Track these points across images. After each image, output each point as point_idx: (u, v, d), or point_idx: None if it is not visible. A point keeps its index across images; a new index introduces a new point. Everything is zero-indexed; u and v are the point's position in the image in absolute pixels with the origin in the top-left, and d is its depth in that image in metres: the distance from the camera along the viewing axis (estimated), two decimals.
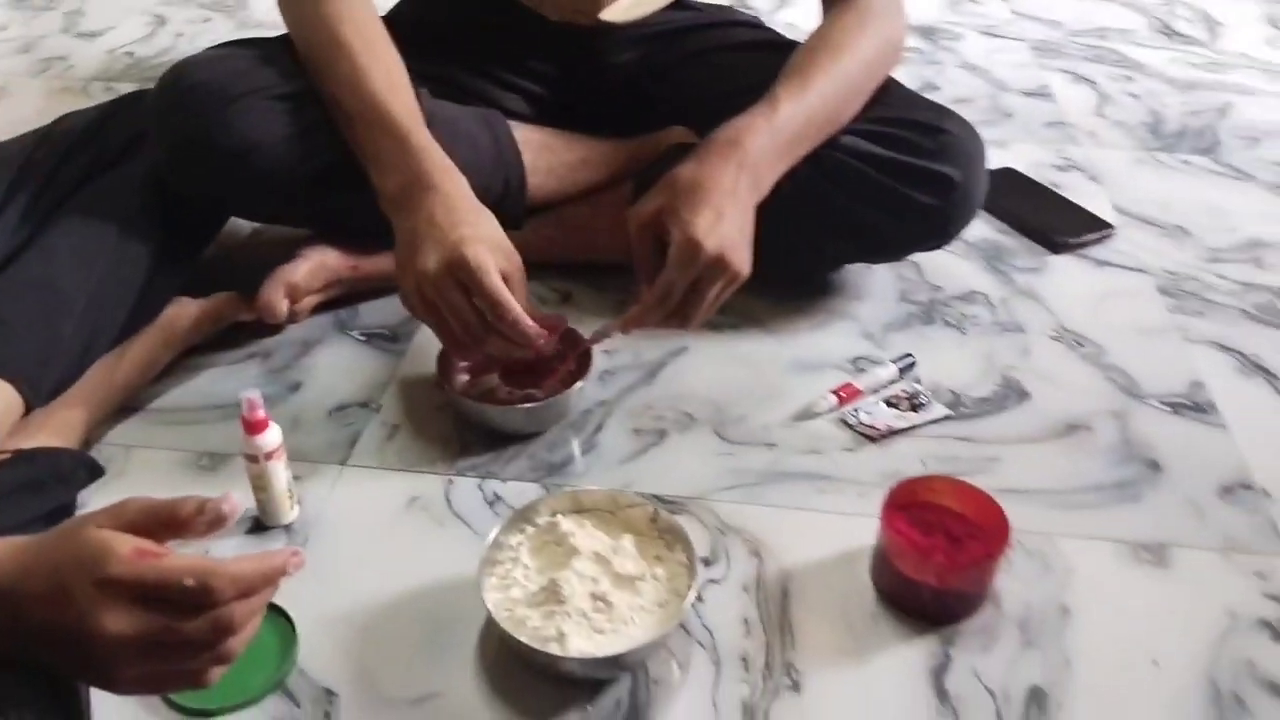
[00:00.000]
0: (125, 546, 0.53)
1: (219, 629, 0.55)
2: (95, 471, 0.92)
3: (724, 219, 0.90)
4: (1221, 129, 1.65)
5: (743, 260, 0.92)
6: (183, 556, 0.54)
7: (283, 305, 1.09)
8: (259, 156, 1.00)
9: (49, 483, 0.86)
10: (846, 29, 1.05)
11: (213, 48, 1.09)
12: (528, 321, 0.91)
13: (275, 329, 1.13)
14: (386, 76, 0.99)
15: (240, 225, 1.27)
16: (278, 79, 1.02)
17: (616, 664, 0.76)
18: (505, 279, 0.91)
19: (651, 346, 1.13)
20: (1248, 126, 1.65)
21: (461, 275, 0.89)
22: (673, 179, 0.93)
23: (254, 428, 0.85)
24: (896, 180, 1.06)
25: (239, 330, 1.13)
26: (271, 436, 0.86)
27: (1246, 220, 1.41)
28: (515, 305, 0.90)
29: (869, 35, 1.05)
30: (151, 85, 1.04)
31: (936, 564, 0.82)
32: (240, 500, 0.57)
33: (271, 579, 0.57)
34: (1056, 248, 1.31)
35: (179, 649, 0.55)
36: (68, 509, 0.87)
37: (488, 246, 0.91)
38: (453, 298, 0.90)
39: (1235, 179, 1.51)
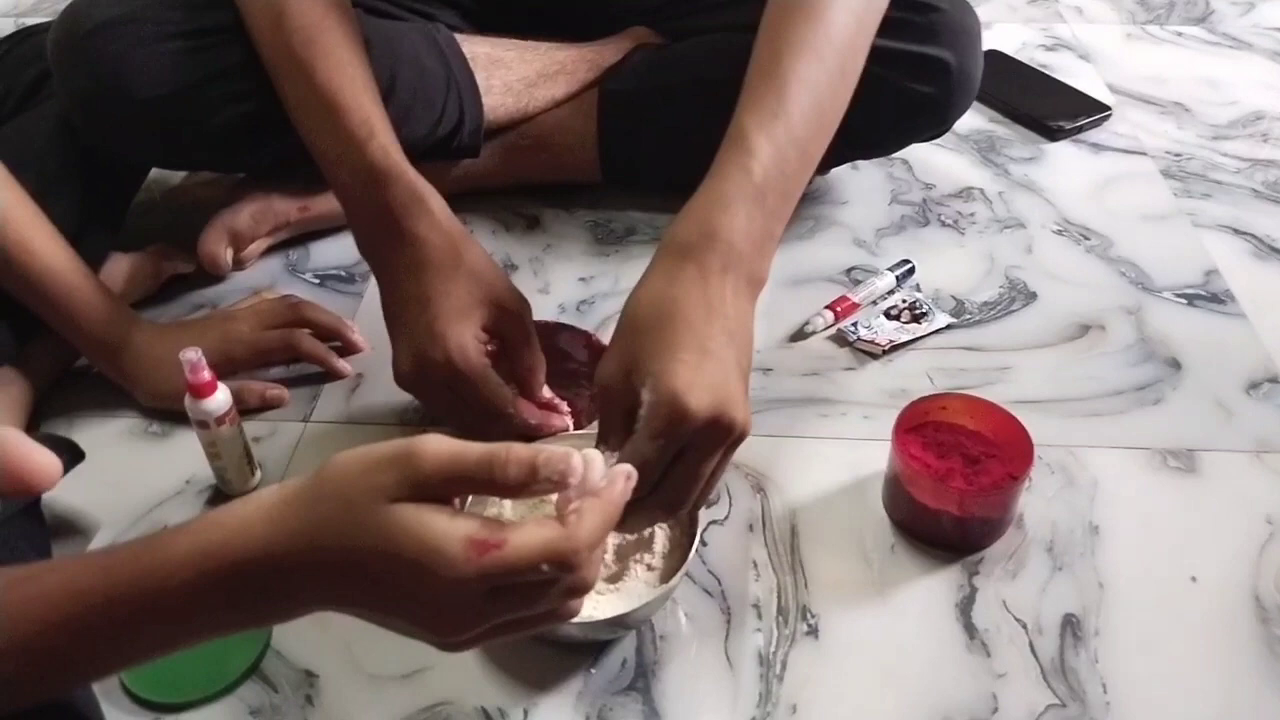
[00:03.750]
0: (456, 545, 0.44)
1: (575, 590, 0.48)
2: (77, 456, 0.83)
3: (710, 358, 0.62)
4: None
5: (741, 411, 0.62)
6: (527, 532, 0.46)
7: (225, 255, 1.00)
8: (175, 105, 0.89)
9: None
10: None
11: None
12: (545, 417, 0.80)
13: (220, 278, 1.04)
14: (342, 72, 0.81)
15: None
16: (192, 12, 0.90)
17: (619, 624, 0.70)
18: (507, 328, 0.78)
19: (631, 271, 1.04)
20: None
21: (448, 380, 0.76)
22: (631, 314, 0.66)
23: (200, 391, 0.77)
24: (885, 68, 0.96)
25: (180, 281, 1.04)
26: (221, 399, 0.78)
27: (1247, 92, 1.33)
28: (523, 409, 0.78)
29: None
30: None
31: (957, 490, 0.76)
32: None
33: (616, 518, 0.50)
34: (1052, 134, 1.23)
35: (533, 619, 0.49)
36: (37, 500, 0.79)
37: (471, 323, 0.76)
38: (442, 401, 0.79)
39: (1232, 49, 1.43)
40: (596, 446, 0.67)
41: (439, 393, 0.77)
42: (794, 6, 0.75)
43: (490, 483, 0.46)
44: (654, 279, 0.67)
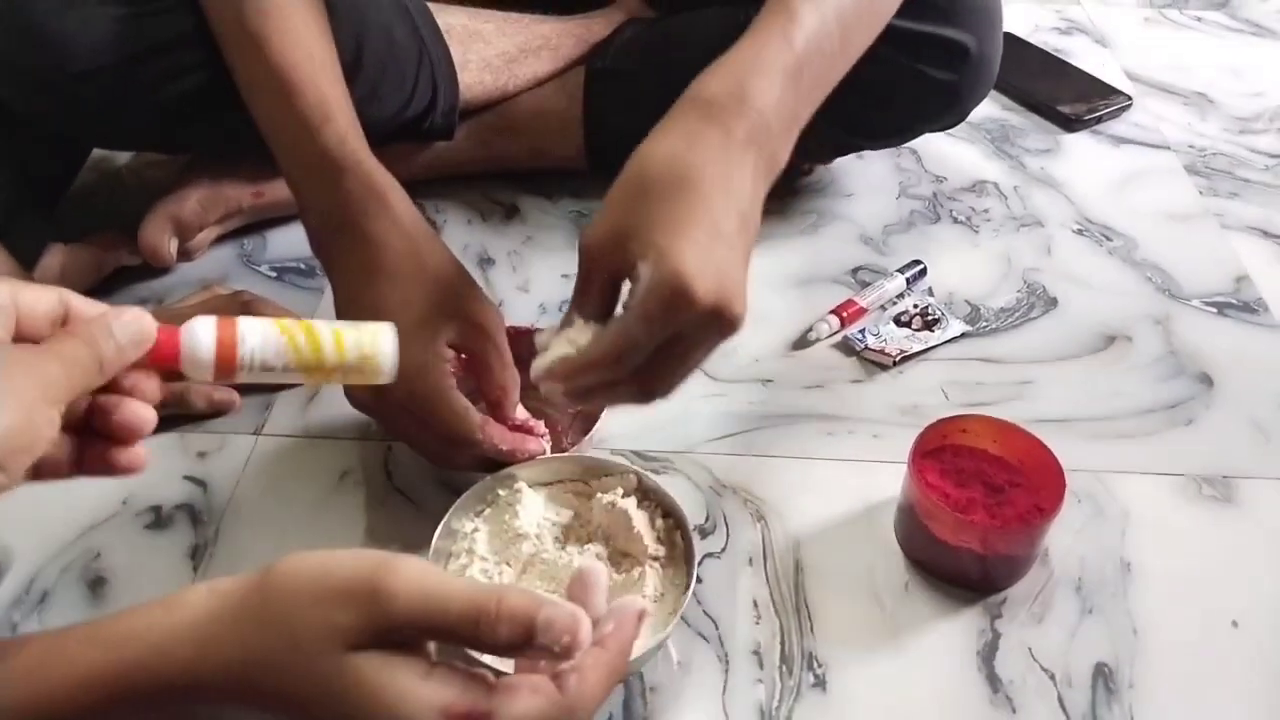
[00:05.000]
0: (428, 717, 0.37)
1: None
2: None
3: (722, 241, 0.56)
4: None
5: (742, 305, 0.57)
6: (518, 704, 0.38)
7: (169, 246, 0.91)
8: (115, 79, 0.79)
9: None
10: None
11: None
12: (518, 441, 0.70)
13: (166, 270, 0.95)
14: (297, 49, 0.71)
15: None
16: None
17: None
18: (475, 344, 0.69)
19: None
20: None
21: (406, 404, 0.67)
22: (639, 172, 0.58)
23: None
24: (900, 51, 0.88)
25: (124, 273, 0.94)
26: None
27: (1273, 83, 1.26)
28: (493, 433, 0.69)
29: None
30: None
31: (979, 526, 0.68)
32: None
33: (625, 670, 0.43)
34: (1070, 124, 1.16)
35: None
36: None
37: (433, 340, 0.67)
38: (401, 425, 0.70)
39: (1255, 36, 1.36)
40: (569, 314, 0.60)
41: (397, 416, 0.69)
42: None
43: (475, 639, 0.38)
44: (670, 136, 0.59)
